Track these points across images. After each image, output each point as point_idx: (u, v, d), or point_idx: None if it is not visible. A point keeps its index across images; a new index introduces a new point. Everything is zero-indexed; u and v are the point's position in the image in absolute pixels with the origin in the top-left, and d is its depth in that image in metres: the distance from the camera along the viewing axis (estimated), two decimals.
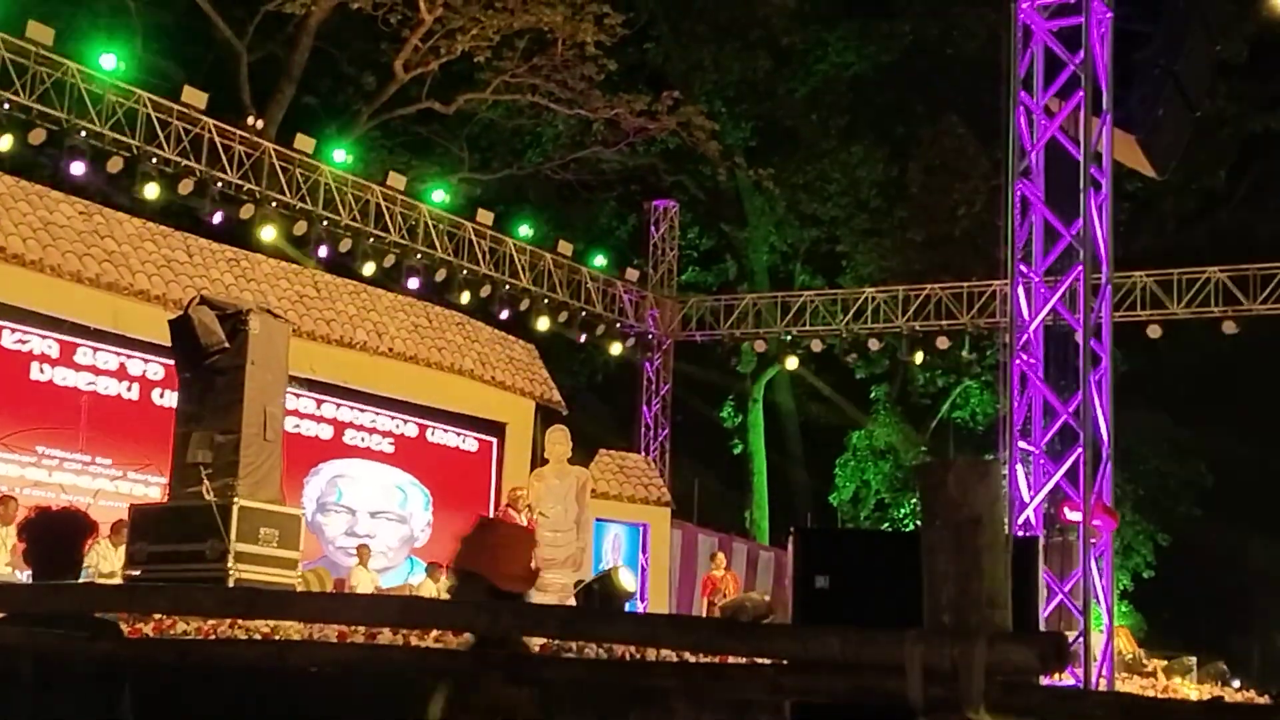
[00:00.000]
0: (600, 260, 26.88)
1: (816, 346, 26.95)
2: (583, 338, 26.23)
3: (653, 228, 28.83)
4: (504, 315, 24.01)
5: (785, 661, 2.52)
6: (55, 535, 4.93)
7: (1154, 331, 24.02)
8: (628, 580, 16.56)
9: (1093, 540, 13.37)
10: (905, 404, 35.96)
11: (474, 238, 23.48)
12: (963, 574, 2.35)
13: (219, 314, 12.85)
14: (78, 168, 18.21)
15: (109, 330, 17.70)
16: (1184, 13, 14.98)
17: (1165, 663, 21.54)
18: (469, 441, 22.87)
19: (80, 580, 5.28)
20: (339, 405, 20.81)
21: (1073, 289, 13.83)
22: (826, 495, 35.38)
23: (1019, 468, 13.71)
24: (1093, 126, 13.66)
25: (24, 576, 10.47)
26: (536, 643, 8.12)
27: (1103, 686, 12.87)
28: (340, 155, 22.12)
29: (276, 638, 8.64)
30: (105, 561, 14.27)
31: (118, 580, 12.90)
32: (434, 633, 8.85)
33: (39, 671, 4.38)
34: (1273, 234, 29.92)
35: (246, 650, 3.14)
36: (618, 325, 26.74)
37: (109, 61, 18.78)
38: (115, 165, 18.56)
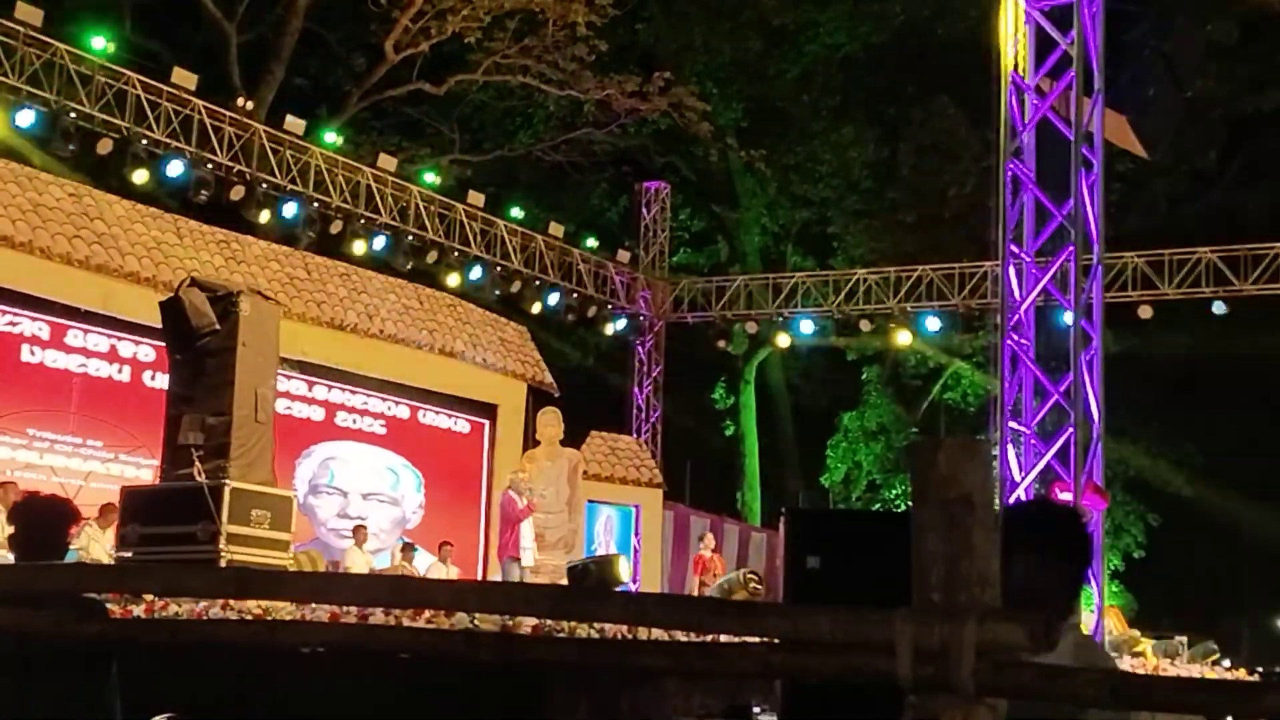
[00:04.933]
0: (592, 242, 26.86)
1: (807, 327, 26.96)
2: (574, 319, 26.23)
3: (644, 209, 28.82)
4: (496, 297, 24.00)
5: (776, 641, 2.53)
6: (40, 522, 4.96)
7: (1145, 312, 24.03)
8: (624, 570, 16.55)
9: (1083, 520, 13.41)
10: (896, 385, 36.01)
11: (465, 219, 23.45)
12: (952, 553, 2.35)
13: (210, 296, 12.84)
14: (68, 149, 18.15)
15: (100, 312, 17.67)
16: None
17: (1155, 642, 21.59)
18: (460, 423, 22.87)
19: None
20: (330, 387, 20.80)
21: (1064, 269, 13.86)
22: (818, 476, 35.42)
23: (1010, 448, 13.76)
24: (1084, 107, 13.67)
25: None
26: (529, 623, 8.15)
27: None
28: (331, 137, 22.07)
29: (268, 618, 8.65)
30: (95, 545, 14.25)
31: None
32: (426, 613, 8.88)
33: (27, 652, 4.39)
34: (1263, 215, 29.94)
35: (237, 630, 3.14)
36: (609, 307, 26.73)
37: (98, 43, 18.73)
38: (105, 147, 18.50)
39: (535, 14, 26.40)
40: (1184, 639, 22.47)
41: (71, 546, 13.73)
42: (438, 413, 22.49)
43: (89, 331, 17.79)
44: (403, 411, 21.94)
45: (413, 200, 22.60)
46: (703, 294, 28.09)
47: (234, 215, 20.65)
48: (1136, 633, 22.31)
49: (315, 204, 21.05)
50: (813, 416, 36.48)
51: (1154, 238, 25.70)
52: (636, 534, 23.99)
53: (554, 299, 25.20)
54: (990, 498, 2.44)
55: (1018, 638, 2.28)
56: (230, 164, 19.89)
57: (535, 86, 28.24)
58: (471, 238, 23.47)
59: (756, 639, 2.53)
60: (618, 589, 16.02)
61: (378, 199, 21.97)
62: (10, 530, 5.09)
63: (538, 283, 24.76)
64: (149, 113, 18.91)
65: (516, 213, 25.01)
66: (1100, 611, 13.95)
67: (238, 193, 20.00)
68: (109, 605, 8.06)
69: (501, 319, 24.14)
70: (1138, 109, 14.72)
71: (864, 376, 35.40)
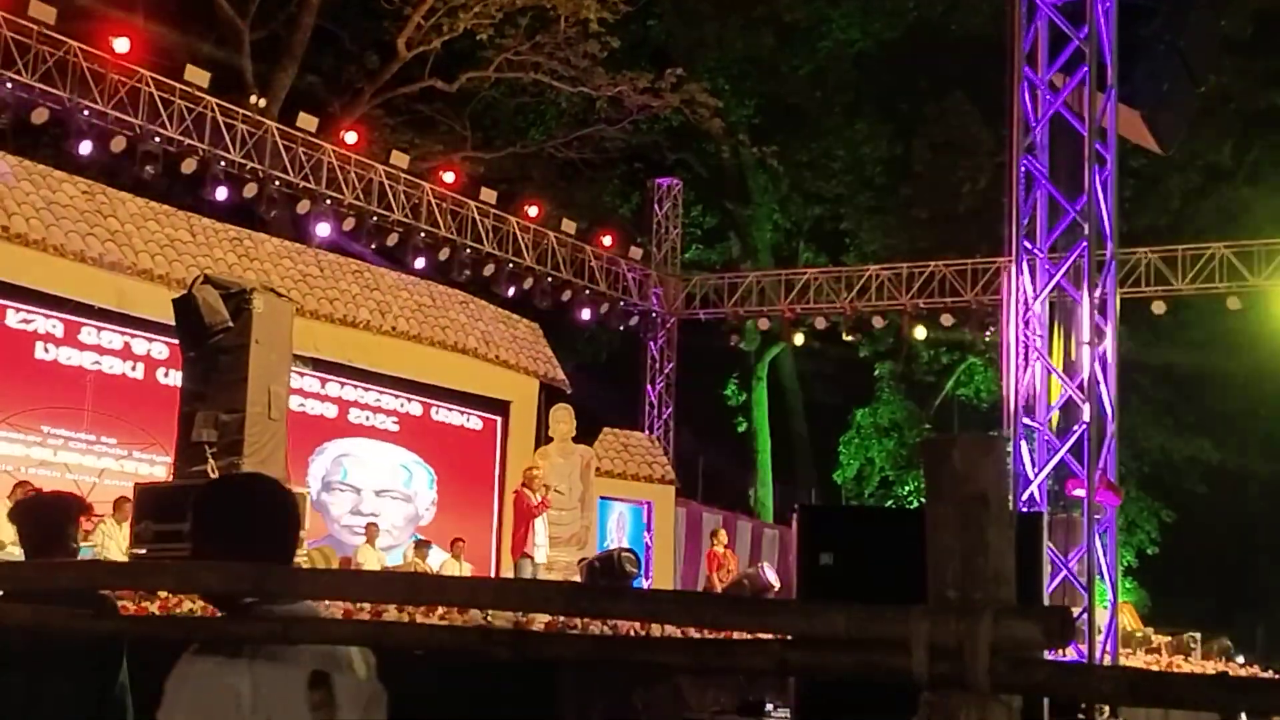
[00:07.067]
0: (604, 238, 26.85)
1: (820, 324, 26.93)
2: (586, 316, 26.23)
3: (656, 206, 28.80)
4: (508, 294, 24.00)
5: (790, 637, 2.52)
6: (42, 519, 4.98)
7: (1159, 307, 23.99)
8: (630, 564, 16.54)
9: (1097, 516, 13.38)
10: (909, 381, 35.96)
11: (477, 216, 23.46)
12: (967, 550, 2.34)
13: (223, 293, 12.86)
14: (81, 147, 18.19)
15: (113, 310, 17.71)
16: None
17: (1169, 639, 21.56)
18: (473, 420, 22.88)
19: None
20: (343, 384, 20.82)
21: (1077, 265, 13.82)
22: (831, 472, 35.39)
23: (1023, 444, 13.72)
24: (1097, 102, 13.63)
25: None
26: (542, 619, 8.15)
27: (1106, 662, 12.90)
28: (343, 134, 22.09)
29: None
30: (112, 541, 14.29)
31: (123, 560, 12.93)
32: (439, 610, 8.89)
33: (38, 650, 4.39)
34: (1277, 209, 29.84)
35: (251, 628, 3.14)
36: (621, 304, 26.73)
37: (111, 40, 18.75)
38: (118, 145, 18.54)
39: (547, 10, 26.40)
40: (1197, 635, 22.45)
41: (87, 543, 13.84)
42: (450, 409, 22.50)
43: (102, 329, 17.83)
44: (415, 408, 21.96)
45: (425, 197, 22.62)
46: (715, 290, 28.07)
47: (247, 212, 20.68)
48: (1150, 629, 22.29)
49: (328, 201, 21.08)
50: (825, 412, 36.44)
51: (1167, 233, 25.65)
52: (649, 530, 24.00)
53: (566, 295, 25.20)
54: (1005, 494, 2.43)
55: (1034, 635, 2.27)
56: (243, 161, 19.92)
57: (547, 83, 28.24)
58: (484, 234, 23.48)
59: (771, 636, 2.52)
60: (627, 583, 16.03)
61: (390, 196, 21.99)
62: (15, 529, 5.13)
63: (550, 279, 24.76)
64: (162, 110, 18.93)
65: (529, 209, 25.01)
66: (1114, 608, 13.91)
67: (250, 190, 20.03)
68: (123, 603, 8.08)
69: (514, 316, 24.15)
70: (1151, 104, 14.64)
71: (876, 372, 35.36)
